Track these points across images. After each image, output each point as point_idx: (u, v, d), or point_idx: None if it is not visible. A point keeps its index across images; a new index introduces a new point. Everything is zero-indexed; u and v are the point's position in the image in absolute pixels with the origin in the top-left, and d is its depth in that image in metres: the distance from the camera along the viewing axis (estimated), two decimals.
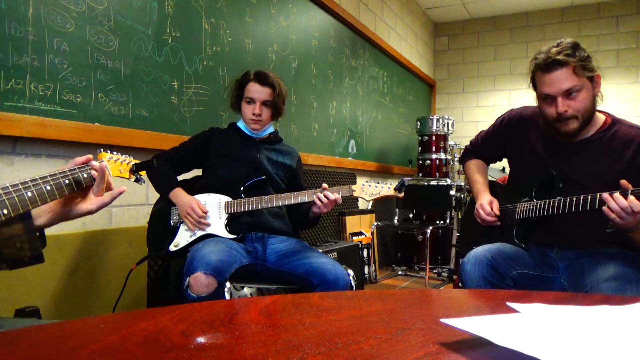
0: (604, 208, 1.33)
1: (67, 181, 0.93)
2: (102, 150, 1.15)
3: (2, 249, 0.88)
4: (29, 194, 0.85)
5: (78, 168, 0.96)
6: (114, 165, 1.12)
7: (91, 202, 0.99)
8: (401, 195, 1.71)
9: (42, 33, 1.68)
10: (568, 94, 1.50)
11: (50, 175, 0.90)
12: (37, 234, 0.93)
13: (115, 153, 1.15)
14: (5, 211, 0.81)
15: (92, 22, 1.86)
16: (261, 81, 1.85)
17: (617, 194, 1.32)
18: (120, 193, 1.03)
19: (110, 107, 1.94)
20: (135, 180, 1.20)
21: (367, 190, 1.72)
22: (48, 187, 0.88)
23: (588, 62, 1.49)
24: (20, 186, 0.84)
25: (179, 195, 1.79)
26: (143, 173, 1.22)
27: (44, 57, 1.69)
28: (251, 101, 1.87)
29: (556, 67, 1.49)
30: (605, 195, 1.33)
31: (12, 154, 1.67)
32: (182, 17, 2.27)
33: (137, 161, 1.20)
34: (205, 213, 1.78)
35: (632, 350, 0.53)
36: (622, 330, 0.61)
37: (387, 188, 1.71)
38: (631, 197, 1.29)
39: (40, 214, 0.94)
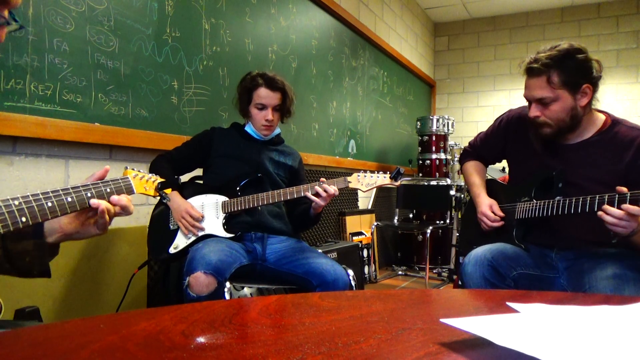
0: (604, 219, 1.32)
1: (89, 194, 0.92)
2: (127, 167, 1.14)
3: (13, 262, 0.91)
4: (49, 204, 0.85)
5: (102, 183, 0.96)
6: (139, 183, 1.12)
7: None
8: (397, 183, 1.70)
9: (42, 33, 1.68)
10: (541, 102, 1.50)
11: (72, 188, 0.90)
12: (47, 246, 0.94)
13: (140, 170, 1.14)
14: (24, 219, 0.81)
15: (92, 22, 1.86)
16: (271, 86, 1.84)
17: (610, 207, 1.30)
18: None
19: (110, 107, 1.94)
20: (160, 198, 1.20)
21: (363, 180, 1.71)
22: (69, 199, 0.88)
23: (574, 74, 1.45)
24: (41, 196, 0.84)
25: (173, 199, 1.79)
26: (168, 191, 1.22)
27: (44, 57, 1.69)
28: (263, 107, 1.86)
29: (532, 74, 1.49)
30: (600, 212, 1.32)
31: (12, 154, 1.67)
32: (182, 17, 2.27)
33: (163, 179, 1.20)
34: (201, 217, 1.78)
35: (632, 350, 0.53)
36: (622, 330, 0.61)
37: (382, 177, 1.71)
38: (625, 204, 1.28)
39: (51, 232, 0.94)
